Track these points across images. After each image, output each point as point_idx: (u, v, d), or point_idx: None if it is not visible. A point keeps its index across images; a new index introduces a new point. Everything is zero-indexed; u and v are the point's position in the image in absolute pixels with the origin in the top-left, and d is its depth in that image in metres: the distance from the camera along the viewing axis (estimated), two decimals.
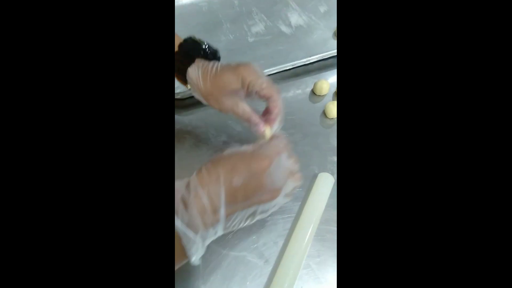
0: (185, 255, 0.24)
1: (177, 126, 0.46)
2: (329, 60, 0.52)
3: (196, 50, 0.36)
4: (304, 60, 0.51)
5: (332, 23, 0.58)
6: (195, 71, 0.34)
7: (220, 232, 0.25)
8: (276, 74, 0.51)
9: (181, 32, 0.58)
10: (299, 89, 0.50)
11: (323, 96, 0.49)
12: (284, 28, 0.58)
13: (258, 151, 0.27)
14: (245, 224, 0.27)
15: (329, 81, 0.49)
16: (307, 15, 0.60)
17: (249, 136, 0.45)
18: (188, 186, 0.25)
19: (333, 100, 0.49)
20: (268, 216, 0.37)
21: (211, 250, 0.35)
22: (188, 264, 0.34)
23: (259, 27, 0.58)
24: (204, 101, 0.35)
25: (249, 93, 0.33)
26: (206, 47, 0.36)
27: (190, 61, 0.35)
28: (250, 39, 0.56)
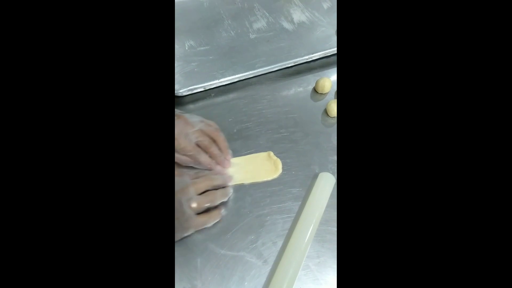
0: None
1: None
2: (332, 57, 0.51)
3: None
4: (306, 57, 0.50)
5: (335, 20, 0.57)
6: None
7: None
8: (278, 71, 0.50)
9: (183, 27, 0.58)
10: (300, 87, 0.50)
11: (325, 94, 0.48)
12: (286, 25, 0.57)
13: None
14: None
15: (331, 79, 0.48)
16: (310, 11, 0.59)
17: (246, 133, 0.44)
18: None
19: (335, 98, 0.48)
20: (267, 217, 0.37)
21: (209, 250, 0.35)
22: (186, 264, 0.34)
23: (261, 24, 0.57)
24: None
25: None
26: None
27: None
28: (252, 36, 0.56)
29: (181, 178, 0.35)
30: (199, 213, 0.34)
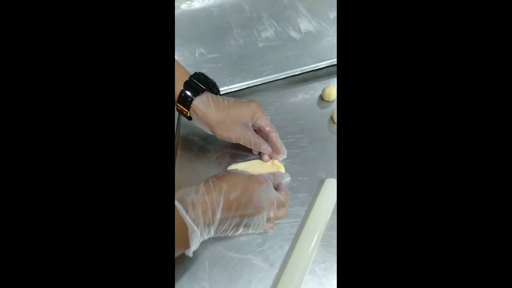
0: (186, 244, 0.30)
1: (184, 130, 0.47)
2: None
3: (205, 83, 0.39)
4: (313, 65, 0.51)
5: None
6: (204, 101, 0.38)
7: (213, 232, 0.32)
8: (285, 79, 0.51)
9: (193, 36, 0.59)
10: (307, 94, 0.51)
11: (331, 101, 0.49)
12: (293, 34, 0.59)
13: (254, 175, 0.35)
14: (230, 233, 0.33)
15: (337, 87, 0.50)
16: (316, 21, 0.61)
17: None
18: (197, 192, 0.32)
19: None
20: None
21: (217, 252, 0.36)
22: (194, 265, 0.35)
23: (269, 33, 0.59)
24: (207, 129, 0.40)
25: (254, 126, 0.41)
26: (213, 83, 0.41)
27: (197, 94, 0.38)
28: (260, 44, 0.57)
29: (267, 189, 0.34)
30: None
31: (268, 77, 0.50)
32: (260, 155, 0.43)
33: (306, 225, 0.37)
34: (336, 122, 0.47)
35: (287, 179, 0.40)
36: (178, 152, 0.44)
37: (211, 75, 0.52)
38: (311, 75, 0.52)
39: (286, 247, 0.36)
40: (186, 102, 0.38)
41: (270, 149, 0.41)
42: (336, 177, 0.40)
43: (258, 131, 0.42)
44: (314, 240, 0.35)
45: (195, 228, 0.30)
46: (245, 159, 0.43)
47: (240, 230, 0.33)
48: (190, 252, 0.32)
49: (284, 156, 0.43)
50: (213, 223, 0.31)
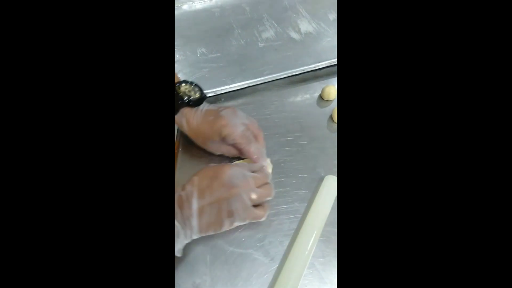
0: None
1: None
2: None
3: (181, 98, 0.40)
4: (313, 66, 0.52)
5: None
6: (180, 119, 0.41)
7: (195, 227, 0.32)
8: (285, 78, 0.52)
9: (195, 36, 0.60)
10: (307, 94, 0.51)
11: (331, 101, 0.50)
12: (293, 35, 0.60)
13: (226, 163, 0.36)
14: (218, 227, 0.33)
15: (336, 86, 0.50)
16: (316, 22, 0.62)
17: None
18: (175, 192, 0.33)
19: None
20: (274, 217, 0.38)
21: (218, 247, 0.36)
22: (196, 260, 0.36)
23: (269, 33, 0.60)
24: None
25: (226, 142, 0.40)
26: (187, 98, 0.40)
27: (175, 110, 0.40)
28: (260, 45, 0.58)
29: (239, 170, 0.34)
30: (254, 206, 0.35)
31: (268, 76, 0.51)
32: None
33: (306, 220, 0.37)
34: (335, 121, 0.47)
35: (268, 161, 0.39)
36: (180, 150, 0.45)
37: (212, 75, 0.53)
38: (310, 75, 0.53)
39: (286, 242, 0.37)
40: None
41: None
42: (335, 174, 0.41)
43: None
44: (314, 235, 0.36)
45: (176, 224, 0.30)
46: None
47: (227, 222, 0.33)
48: (179, 251, 0.32)
49: (265, 165, 0.40)
50: (191, 215, 0.31)
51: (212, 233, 0.34)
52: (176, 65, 0.55)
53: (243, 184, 0.33)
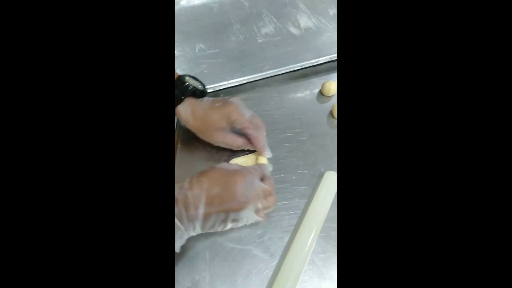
0: None
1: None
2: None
3: (185, 90, 0.40)
4: (313, 61, 0.51)
5: None
6: (185, 109, 0.40)
7: (198, 228, 0.32)
8: (285, 74, 0.52)
9: (193, 31, 0.60)
10: (307, 90, 0.51)
11: (331, 96, 0.50)
12: (293, 30, 0.59)
13: (237, 169, 0.34)
14: (219, 228, 0.33)
15: (336, 82, 0.50)
16: (316, 17, 0.61)
17: None
18: (181, 188, 0.32)
19: None
20: (274, 213, 0.38)
21: (217, 243, 0.36)
22: (195, 256, 0.35)
23: (268, 29, 0.59)
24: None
25: (233, 128, 0.40)
26: (194, 88, 0.41)
27: (180, 100, 0.40)
28: (260, 40, 0.57)
29: (251, 180, 0.33)
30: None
31: (268, 72, 0.51)
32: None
33: (306, 216, 0.37)
34: (335, 116, 0.47)
35: (269, 169, 0.39)
36: (179, 145, 0.45)
37: (211, 70, 0.53)
38: (310, 71, 0.53)
39: (286, 238, 0.37)
40: None
41: (257, 144, 0.41)
42: (335, 170, 0.41)
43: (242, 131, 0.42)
44: (314, 231, 0.36)
45: (178, 223, 0.30)
46: (245, 152, 0.44)
47: (230, 225, 0.33)
48: (177, 248, 0.32)
49: (268, 155, 0.42)
50: (196, 218, 0.30)
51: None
52: (175, 61, 0.54)
53: (253, 197, 0.33)
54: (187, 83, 0.40)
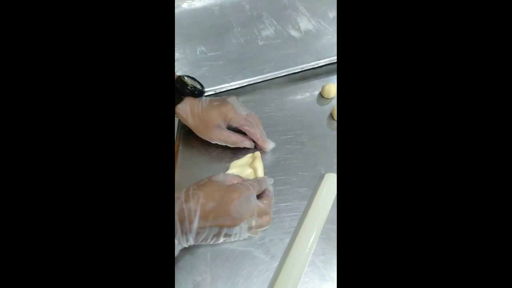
0: None
1: (186, 126, 0.47)
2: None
3: (184, 90, 0.42)
4: (313, 63, 0.52)
5: None
6: (184, 108, 0.42)
7: (191, 240, 0.32)
8: (285, 76, 0.52)
9: (195, 34, 0.60)
10: (307, 92, 0.51)
11: (331, 99, 0.50)
12: (293, 33, 0.59)
13: (234, 185, 0.34)
14: (212, 241, 0.33)
15: (336, 84, 0.50)
16: (316, 20, 0.62)
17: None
18: (177, 200, 0.32)
19: None
20: (274, 214, 0.38)
21: (218, 245, 0.36)
22: (196, 258, 0.36)
23: (269, 31, 0.60)
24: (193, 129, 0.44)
25: (230, 126, 0.43)
26: (193, 88, 0.43)
27: (178, 101, 0.42)
28: (260, 43, 0.58)
29: (246, 196, 0.33)
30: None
31: (268, 74, 0.51)
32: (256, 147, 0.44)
33: (306, 218, 0.37)
34: (335, 118, 0.47)
35: (270, 183, 0.38)
36: (180, 148, 0.45)
37: (212, 73, 0.53)
38: (310, 73, 0.53)
39: (287, 240, 0.37)
40: None
41: (252, 143, 0.43)
42: (335, 172, 0.41)
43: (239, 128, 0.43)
44: (314, 233, 0.36)
45: None
46: (245, 153, 0.44)
47: (222, 239, 0.33)
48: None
49: (270, 146, 0.43)
50: (190, 231, 0.31)
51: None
52: (175, 64, 0.54)
53: (247, 214, 0.33)
54: (186, 83, 0.42)
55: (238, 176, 0.37)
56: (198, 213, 0.31)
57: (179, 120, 0.49)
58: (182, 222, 0.31)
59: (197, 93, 0.42)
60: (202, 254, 0.36)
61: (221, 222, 0.32)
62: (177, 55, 0.56)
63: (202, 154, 0.44)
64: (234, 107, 0.42)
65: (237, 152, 0.44)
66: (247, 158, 0.43)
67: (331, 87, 0.49)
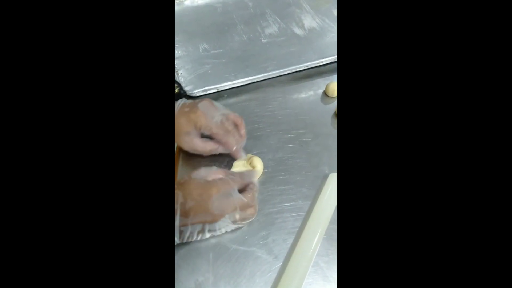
0: None
1: None
2: None
3: None
4: (317, 61, 0.51)
5: None
6: None
7: (176, 239, 0.32)
8: (289, 75, 0.52)
9: (197, 31, 0.60)
10: (311, 90, 0.51)
11: (335, 97, 0.50)
12: (297, 30, 0.59)
13: (213, 181, 0.34)
14: (198, 238, 0.34)
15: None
16: (320, 17, 0.61)
17: (257, 133, 0.45)
18: None
19: None
20: (277, 214, 0.38)
21: (221, 245, 0.36)
22: (198, 258, 0.35)
23: (272, 29, 0.59)
24: None
25: (201, 133, 0.40)
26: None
27: None
28: (264, 40, 0.57)
29: (226, 191, 0.33)
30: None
31: (272, 72, 0.50)
32: None
33: (310, 218, 0.37)
34: None
35: (257, 175, 0.38)
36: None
37: (215, 71, 0.53)
38: (314, 71, 0.52)
39: (290, 240, 0.36)
40: None
41: (229, 150, 0.40)
42: None
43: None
44: (318, 233, 0.35)
45: None
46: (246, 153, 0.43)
47: (208, 235, 0.34)
48: None
49: (242, 158, 0.41)
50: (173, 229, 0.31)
51: None
52: (178, 61, 0.54)
53: (229, 209, 0.33)
54: None
55: (221, 169, 0.36)
56: (178, 212, 0.31)
57: None
58: None
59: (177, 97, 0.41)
60: (205, 253, 0.35)
61: (202, 219, 0.32)
62: (179, 52, 0.55)
63: (203, 155, 0.44)
64: (204, 114, 0.39)
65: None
66: (248, 156, 0.43)
67: (335, 85, 0.49)
